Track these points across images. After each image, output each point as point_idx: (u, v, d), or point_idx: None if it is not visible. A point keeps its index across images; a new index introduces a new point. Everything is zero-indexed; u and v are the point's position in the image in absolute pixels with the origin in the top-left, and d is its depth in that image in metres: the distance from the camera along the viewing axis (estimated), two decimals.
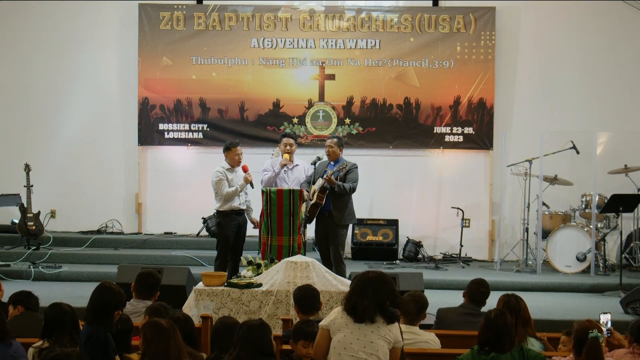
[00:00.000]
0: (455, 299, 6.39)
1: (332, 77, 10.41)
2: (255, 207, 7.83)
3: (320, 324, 4.06)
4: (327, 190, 7.39)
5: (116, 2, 10.56)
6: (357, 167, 7.64)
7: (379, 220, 10.19)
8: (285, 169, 7.76)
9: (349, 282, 6.59)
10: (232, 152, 7.65)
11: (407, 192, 10.53)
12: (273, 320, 6.06)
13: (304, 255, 6.94)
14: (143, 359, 3.73)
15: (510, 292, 4.99)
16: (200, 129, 10.46)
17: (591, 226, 9.14)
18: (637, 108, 10.42)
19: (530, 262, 9.42)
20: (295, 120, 10.42)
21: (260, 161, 8.29)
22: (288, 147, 7.80)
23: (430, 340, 4.80)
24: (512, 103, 10.48)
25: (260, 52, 10.40)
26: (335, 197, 7.46)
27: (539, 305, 7.29)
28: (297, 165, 7.92)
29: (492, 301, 5.52)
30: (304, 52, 10.40)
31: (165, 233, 10.47)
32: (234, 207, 7.57)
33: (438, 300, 7.19)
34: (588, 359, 3.96)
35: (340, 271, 7.26)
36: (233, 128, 10.40)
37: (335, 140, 7.77)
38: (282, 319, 5.51)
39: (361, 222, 9.99)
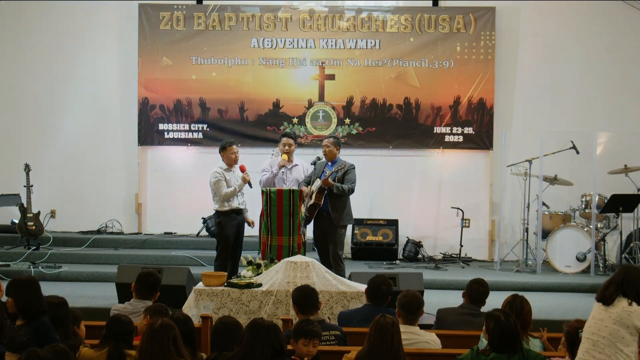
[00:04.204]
0: (455, 299, 6.39)
1: (332, 77, 10.41)
2: (255, 207, 7.83)
3: None
4: (325, 190, 7.39)
5: (116, 2, 10.56)
6: (354, 168, 7.64)
7: (378, 220, 10.18)
8: (283, 169, 7.76)
9: (349, 282, 6.62)
10: (228, 151, 7.65)
11: (407, 192, 10.52)
12: (273, 320, 6.05)
13: (304, 255, 6.94)
14: (139, 358, 3.75)
15: (516, 293, 4.98)
16: (200, 129, 10.46)
17: (591, 226, 9.14)
18: (637, 108, 10.43)
19: (530, 262, 9.42)
20: (295, 120, 10.42)
21: (260, 161, 8.28)
22: (287, 148, 7.79)
23: (430, 341, 4.79)
24: (512, 103, 10.48)
25: (260, 52, 10.40)
26: (333, 198, 7.46)
27: (539, 305, 7.28)
28: (296, 165, 7.92)
29: (492, 301, 5.53)
30: (304, 52, 10.40)
31: (165, 233, 10.47)
32: (233, 206, 7.57)
33: (438, 300, 7.20)
34: None
35: (339, 271, 7.27)
36: (233, 128, 10.40)
37: (332, 140, 7.77)
38: (282, 319, 5.51)
39: (361, 222, 9.99)
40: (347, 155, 8.63)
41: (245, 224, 7.80)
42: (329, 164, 7.67)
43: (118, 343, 4.15)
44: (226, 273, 6.78)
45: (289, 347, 4.26)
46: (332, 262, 7.45)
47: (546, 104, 10.43)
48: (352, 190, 7.55)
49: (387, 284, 5.43)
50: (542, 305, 7.38)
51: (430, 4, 10.48)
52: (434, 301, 7.19)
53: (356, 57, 10.40)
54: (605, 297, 3.99)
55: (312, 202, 7.36)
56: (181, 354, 3.77)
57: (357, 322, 5.30)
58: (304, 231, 7.31)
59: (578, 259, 9.01)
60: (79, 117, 10.61)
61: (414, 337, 4.73)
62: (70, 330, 4.40)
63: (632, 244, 9.43)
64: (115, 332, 4.20)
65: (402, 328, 4.46)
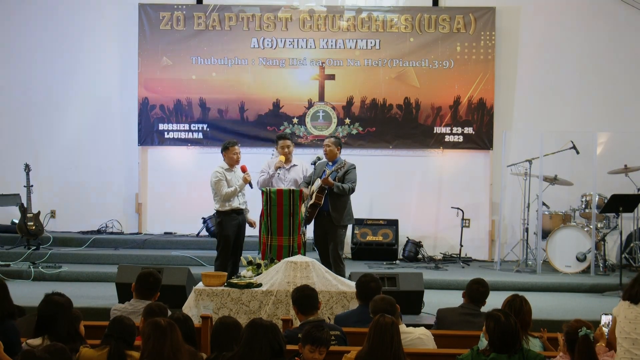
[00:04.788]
0: (455, 299, 6.39)
1: (332, 77, 10.41)
2: (255, 207, 7.83)
3: None
4: (326, 190, 7.39)
5: (116, 2, 10.56)
6: (355, 168, 7.64)
7: (379, 220, 10.18)
8: (280, 170, 7.75)
9: (349, 282, 6.61)
10: (230, 151, 7.66)
11: (407, 192, 10.52)
12: (273, 320, 6.05)
13: (304, 255, 6.94)
14: (142, 357, 3.74)
15: (516, 293, 4.98)
16: (200, 129, 10.46)
17: (591, 226, 9.14)
18: (637, 108, 10.42)
19: (530, 262, 9.42)
20: (295, 120, 10.42)
21: (260, 161, 8.29)
22: (286, 150, 7.80)
23: (422, 335, 4.78)
24: (512, 103, 10.48)
25: (260, 52, 10.40)
26: (333, 198, 7.46)
27: (539, 306, 7.27)
28: (295, 165, 7.91)
29: (492, 301, 5.53)
30: (304, 52, 10.40)
31: (165, 233, 10.47)
32: (234, 206, 7.57)
33: (438, 300, 7.21)
34: (581, 357, 3.97)
35: (339, 271, 7.27)
36: (233, 128, 10.40)
37: (332, 139, 7.78)
38: (282, 319, 5.52)
39: (361, 222, 9.99)
40: (347, 155, 8.61)
41: (246, 224, 7.80)
42: (330, 163, 7.67)
43: (119, 343, 4.14)
44: (226, 273, 6.78)
45: (296, 347, 4.27)
46: (332, 262, 7.45)
47: (546, 104, 10.43)
48: (352, 190, 7.55)
49: (375, 281, 5.42)
50: (542, 305, 7.38)
51: (430, 4, 10.47)
52: (434, 301, 7.19)
53: (356, 57, 10.40)
54: (632, 295, 4.00)
55: (312, 201, 7.36)
56: (190, 352, 3.79)
57: (353, 323, 5.29)
58: (304, 231, 7.31)
59: (578, 259, 9.01)
60: (79, 117, 10.61)
61: (405, 336, 4.72)
62: (71, 331, 4.39)
63: (632, 244, 9.45)
64: (117, 333, 4.19)
65: None
